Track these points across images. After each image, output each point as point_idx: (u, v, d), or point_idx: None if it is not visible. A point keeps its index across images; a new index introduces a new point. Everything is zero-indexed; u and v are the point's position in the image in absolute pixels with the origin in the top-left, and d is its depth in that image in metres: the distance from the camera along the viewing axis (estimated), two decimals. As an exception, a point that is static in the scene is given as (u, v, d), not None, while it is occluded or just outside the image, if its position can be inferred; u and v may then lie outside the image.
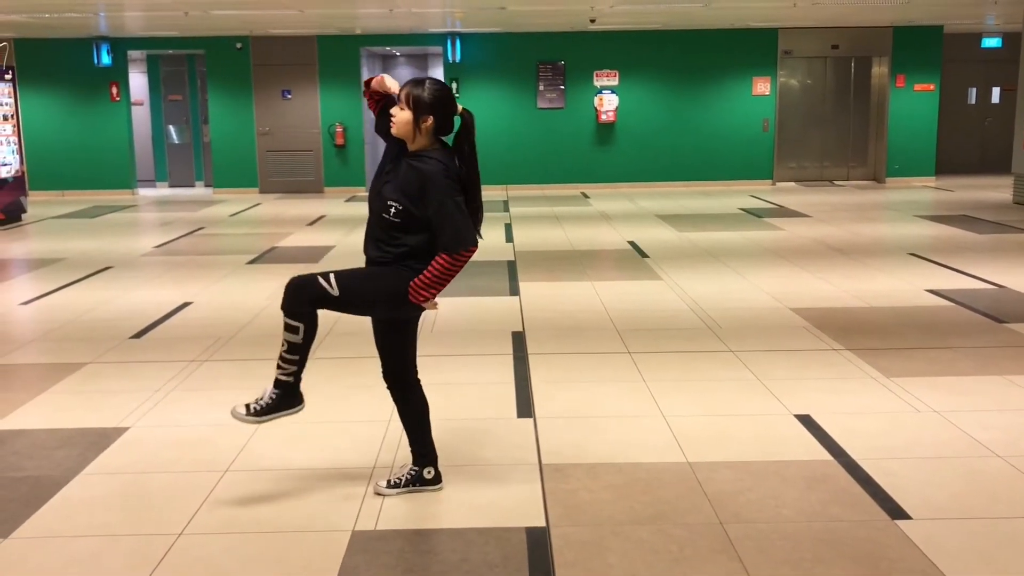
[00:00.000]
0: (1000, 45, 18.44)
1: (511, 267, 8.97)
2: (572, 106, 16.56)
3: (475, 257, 3.61)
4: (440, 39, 16.27)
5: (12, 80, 13.04)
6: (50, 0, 11.77)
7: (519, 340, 6.24)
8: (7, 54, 13.80)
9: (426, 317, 6.38)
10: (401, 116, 3.49)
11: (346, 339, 6.12)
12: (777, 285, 7.90)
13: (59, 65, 16.23)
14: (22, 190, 13.28)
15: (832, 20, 15.51)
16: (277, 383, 3.59)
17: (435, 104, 3.47)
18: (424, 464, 3.80)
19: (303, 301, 3.49)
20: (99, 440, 4.44)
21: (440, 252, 3.45)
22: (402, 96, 3.50)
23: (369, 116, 16.65)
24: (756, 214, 12.88)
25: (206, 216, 13.61)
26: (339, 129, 16.51)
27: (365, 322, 3.81)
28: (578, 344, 6.11)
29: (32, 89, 16.10)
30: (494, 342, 6.18)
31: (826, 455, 4.16)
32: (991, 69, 18.94)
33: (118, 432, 4.55)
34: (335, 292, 3.48)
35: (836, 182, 17.15)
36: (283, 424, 4.03)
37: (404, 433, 3.85)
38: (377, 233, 3.56)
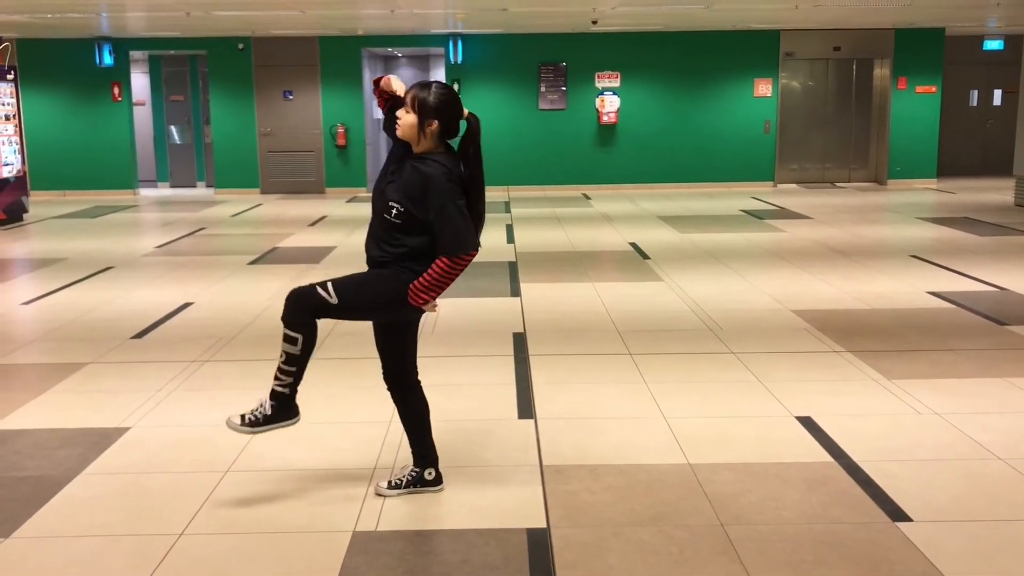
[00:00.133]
0: (1002, 47, 18.44)
1: (512, 268, 8.97)
2: (574, 107, 16.56)
3: (477, 258, 3.61)
4: (442, 40, 16.27)
5: (14, 80, 13.06)
6: (52, 0, 11.78)
7: (520, 341, 6.24)
8: (9, 54, 13.81)
9: (427, 318, 6.38)
10: (406, 119, 3.50)
11: (346, 340, 6.13)
12: (778, 287, 7.89)
13: (61, 65, 16.23)
14: (23, 190, 13.29)
15: (834, 22, 15.51)
16: (273, 394, 3.60)
17: (440, 109, 3.47)
18: (425, 465, 3.80)
19: (303, 311, 3.50)
20: (100, 440, 4.45)
21: (440, 255, 3.45)
22: (408, 99, 3.50)
23: (371, 117, 16.66)
24: (757, 216, 12.88)
25: (207, 216, 13.61)
26: (340, 130, 16.50)
27: (365, 323, 3.81)
28: (579, 345, 6.11)
29: (34, 89, 16.10)
30: (495, 343, 6.19)
31: (827, 457, 4.16)
32: (993, 71, 18.94)
33: (119, 432, 4.56)
34: (334, 300, 3.49)
35: (837, 184, 17.14)
36: (284, 425, 4.04)
37: (405, 434, 3.86)
38: (379, 233, 3.57)
